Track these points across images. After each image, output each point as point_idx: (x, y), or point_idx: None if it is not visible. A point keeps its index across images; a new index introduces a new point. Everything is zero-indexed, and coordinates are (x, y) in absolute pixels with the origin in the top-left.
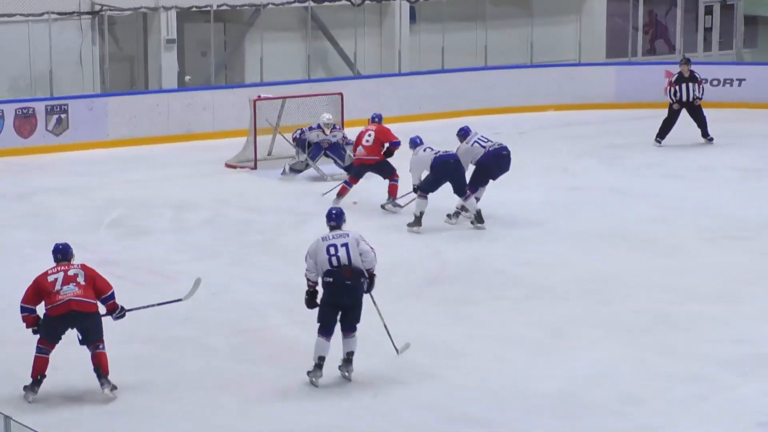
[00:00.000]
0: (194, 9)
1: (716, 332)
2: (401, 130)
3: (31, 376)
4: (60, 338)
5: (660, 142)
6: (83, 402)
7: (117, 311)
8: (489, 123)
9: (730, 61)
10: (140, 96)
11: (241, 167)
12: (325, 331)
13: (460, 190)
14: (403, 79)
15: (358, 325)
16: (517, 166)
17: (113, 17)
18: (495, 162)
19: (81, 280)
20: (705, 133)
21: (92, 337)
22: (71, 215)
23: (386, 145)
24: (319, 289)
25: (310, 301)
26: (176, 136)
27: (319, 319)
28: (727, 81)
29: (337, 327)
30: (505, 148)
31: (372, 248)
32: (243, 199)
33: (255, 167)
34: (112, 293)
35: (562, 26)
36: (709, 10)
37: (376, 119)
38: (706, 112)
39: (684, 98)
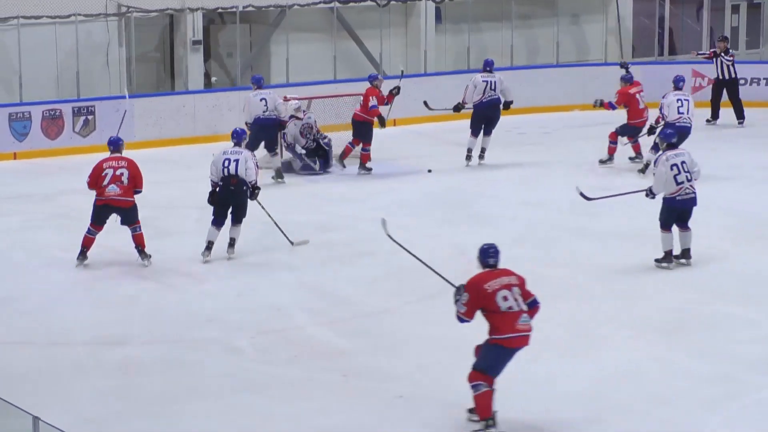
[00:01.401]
0: (220, 10)
1: (743, 332)
2: (426, 131)
3: (81, 246)
4: (104, 222)
5: (714, 122)
6: (108, 402)
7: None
8: (514, 123)
9: (757, 60)
10: (166, 97)
11: (266, 168)
12: (216, 222)
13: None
14: (429, 79)
15: (244, 220)
16: (543, 165)
17: (139, 19)
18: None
19: (125, 179)
20: (740, 115)
21: (129, 221)
22: None
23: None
24: None
25: (211, 199)
26: (202, 137)
27: (213, 213)
28: (755, 80)
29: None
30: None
31: (257, 167)
32: (268, 199)
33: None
34: (139, 191)
35: (588, 25)
36: (735, 9)
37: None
38: (732, 111)
39: (720, 75)
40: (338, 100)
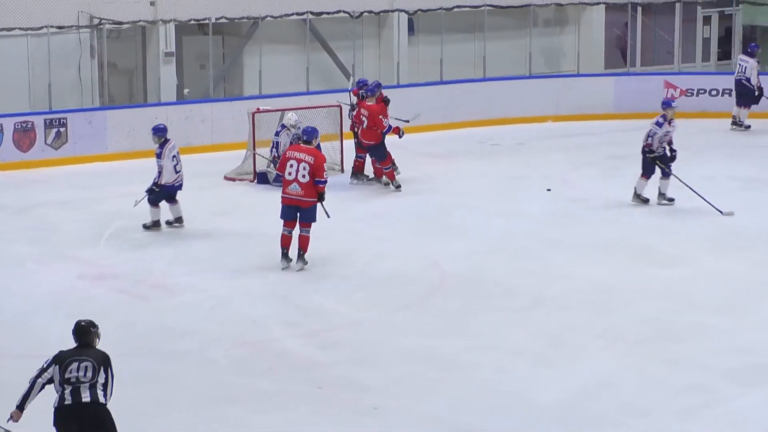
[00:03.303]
0: (193, 22)
1: (717, 342)
2: (399, 143)
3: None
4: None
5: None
6: None
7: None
8: (488, 134)
9: (729, 71)
10: (139, 109)
11: (240, 180)
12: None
13: None
14: (401, 90)
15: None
16: (516, 177)
17: (112, 30)
18: None
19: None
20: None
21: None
22: (71, 228)
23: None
24: None
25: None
26: None
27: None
28: (726, 91)
29: None
30: None
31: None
32: (242, 211)
33: (254, 180)
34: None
35: (560, 37)
36: (707, 21)
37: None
38: (705, 122)
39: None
40: (311, 112)
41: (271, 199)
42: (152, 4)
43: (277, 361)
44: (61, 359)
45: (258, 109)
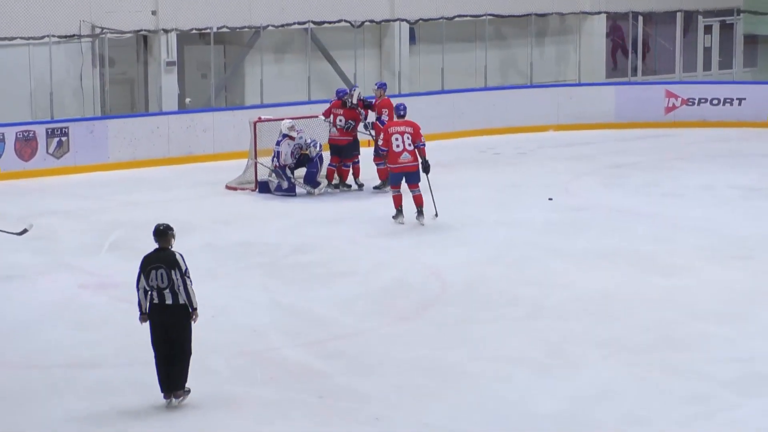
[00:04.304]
0: (194, 31)
1: (718, 351)
2: None
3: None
4: (400, 183)
5: None
6: (83, 425)
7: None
8: (489, 143)
9: (730, 80)
10: (141, 118)
11: (241, 189)
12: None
13: None
14: (402, 99)
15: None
16: (517, 185)
17: (113, 40)
18: None
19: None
20: None
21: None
22: (73, 238)
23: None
24: None
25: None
26: (177, 158)
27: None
28: (727, 100)
29: None
30: None
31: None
32: (243, 220)
33: (256, 189)
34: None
35: (561, 46)
36: (708, 30)
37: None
38: (706, 131)
39: None
40: (313, 121)
41: (273, 208)
42: (154, 13)
43: (278, 370)
44: (145, 268)
45: (259, 118)
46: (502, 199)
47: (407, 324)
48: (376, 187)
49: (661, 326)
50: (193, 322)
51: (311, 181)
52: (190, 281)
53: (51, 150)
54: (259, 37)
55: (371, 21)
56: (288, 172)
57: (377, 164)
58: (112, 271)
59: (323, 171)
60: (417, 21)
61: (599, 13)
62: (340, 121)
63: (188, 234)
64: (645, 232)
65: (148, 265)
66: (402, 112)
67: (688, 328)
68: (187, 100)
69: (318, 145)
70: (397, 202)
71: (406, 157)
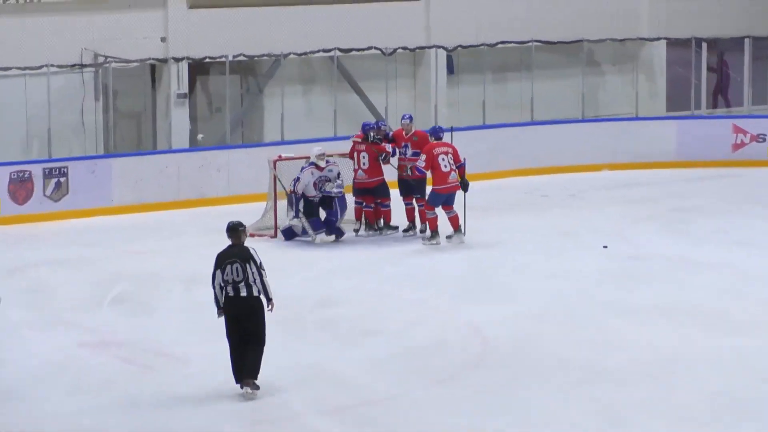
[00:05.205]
0: (208, 60)
1: None
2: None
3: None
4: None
5: None
6: None
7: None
8: (536, 184)
9: None
10: (147, 157)
11: (260, 236)
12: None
13: None
14: None
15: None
16: (567, 232)
17: (118, 69)
18: None
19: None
20: None
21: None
22: (71, 291)
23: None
24: None
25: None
26: (187, 201)
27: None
28: None
29: None
30: None
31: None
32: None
33: (275, 236)
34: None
35: (617, 76)
36: None
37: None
38: None
39: None
40: (340, 160)
41: (295, 257)
42: (163, 40)
43: None
44: (221, 264)
45: (279, 156)
46: (551, 246)
47: (443, 388)
48: (405, 231)
49: (731, 392)
50: (269, 312)
51: (331, 227)
52: (265, 273)
53: (48, 192)
54: (279, 66)
55: (404, 48)
56: (300, 204)
57: (406, 204)
58: (114, 327)
59: (344, 218)
60: (455, 48)
61: (658, 39)
62: (364, 158)
63: (200, 286)
64: (712, 285)
65: (223, 260)
66: (441, 134)
67: (761, 394)
68: (200, 136)
69: (342, 185)
70: (434, 223)
71: (453, 177)
